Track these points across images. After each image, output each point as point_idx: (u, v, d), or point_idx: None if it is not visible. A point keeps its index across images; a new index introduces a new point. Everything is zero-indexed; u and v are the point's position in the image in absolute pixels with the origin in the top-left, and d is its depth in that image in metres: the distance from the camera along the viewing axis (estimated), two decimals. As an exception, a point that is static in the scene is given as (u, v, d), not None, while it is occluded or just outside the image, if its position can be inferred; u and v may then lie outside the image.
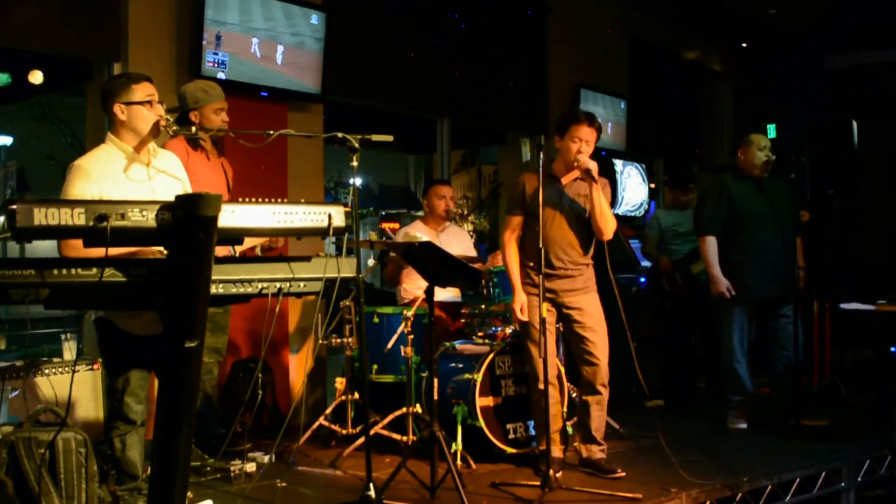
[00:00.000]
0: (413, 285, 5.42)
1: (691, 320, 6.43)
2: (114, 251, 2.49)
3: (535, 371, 4.24)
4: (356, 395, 4.88)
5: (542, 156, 4.22)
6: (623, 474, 4.25)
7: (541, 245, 4.05)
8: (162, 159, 3.50)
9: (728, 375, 5.38)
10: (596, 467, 4.32)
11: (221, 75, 5.12)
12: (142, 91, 3.33)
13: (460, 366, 4.68)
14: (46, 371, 4.34)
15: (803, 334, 5.48)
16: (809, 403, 5.74)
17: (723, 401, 5.47)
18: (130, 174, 3.34)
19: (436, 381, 4.10)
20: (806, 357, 6.13)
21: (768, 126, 7.22)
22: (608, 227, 4.29)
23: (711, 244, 5.31)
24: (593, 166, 4.21)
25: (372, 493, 3.56)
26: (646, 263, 7.00)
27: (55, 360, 4.51)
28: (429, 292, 4.04)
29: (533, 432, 4.63)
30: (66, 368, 4.38)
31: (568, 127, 4.29)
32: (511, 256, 4.40)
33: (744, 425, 5.35)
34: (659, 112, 9.20)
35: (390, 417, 4.71)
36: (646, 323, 6.42)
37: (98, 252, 2.48)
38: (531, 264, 4.29)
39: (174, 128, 3.40)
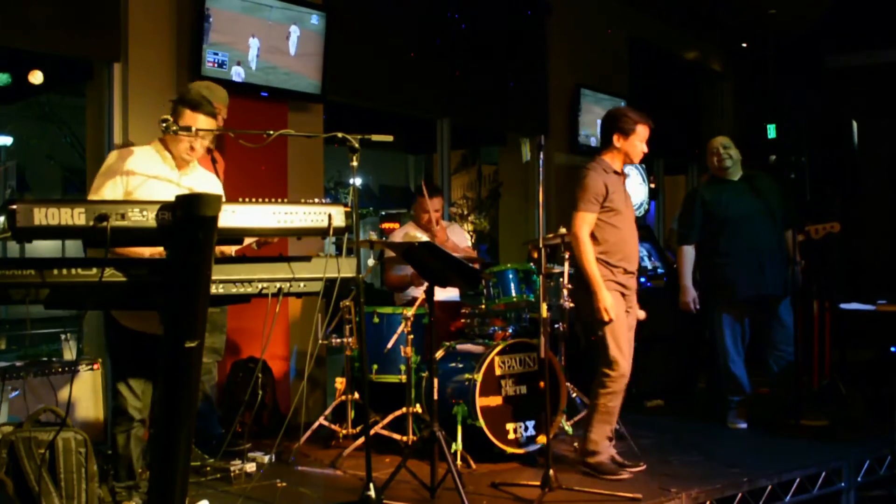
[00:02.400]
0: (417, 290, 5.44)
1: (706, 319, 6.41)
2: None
3: (619, 370, 4.20)
4: (356, 395, 4.88)
5: (542, 156, 4.22)
6: (644, 466, 4.34)
7: (541, 245, 4.05)
8: (198, 177, 3.63)
9: (725, 376, 5.38)
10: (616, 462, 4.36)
11: (222, 75, 5.12)
12: (190, 118, 3.52)
13: (460, 366, 4.68)
14: (46, 371, 4.34)
15: (801, 334, 5.48)
16: (809, 403, 5.74)
17: (723, 401, 5.47)
18: (159, 181, 3.46)
19: (436, 381, 4.10)
20: (806, 357, 6.13)
21: (768, 126, 7.20)
22: None
23: (686, 254, 5.36)
24: None
25: (372, 493, 3.55)
26: (646, 264, 6.99)
27: (55, 360, 4.51)
28: (429, 292, 4.04)
29: (533, 432, 4.62)
30: (66, 368, 4.39)
31: (636, 127, 4.31)
32: (593, 255, 4.21)
33: (744, 425, 5.36)
34: (659, 112, 9.17)
35: (390, 417, 4.71)
36: (647, 322, 6.41)
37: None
38: (614, 262, 4.22)
39: (174, 128, 3.43)
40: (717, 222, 5.30)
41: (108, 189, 3.36)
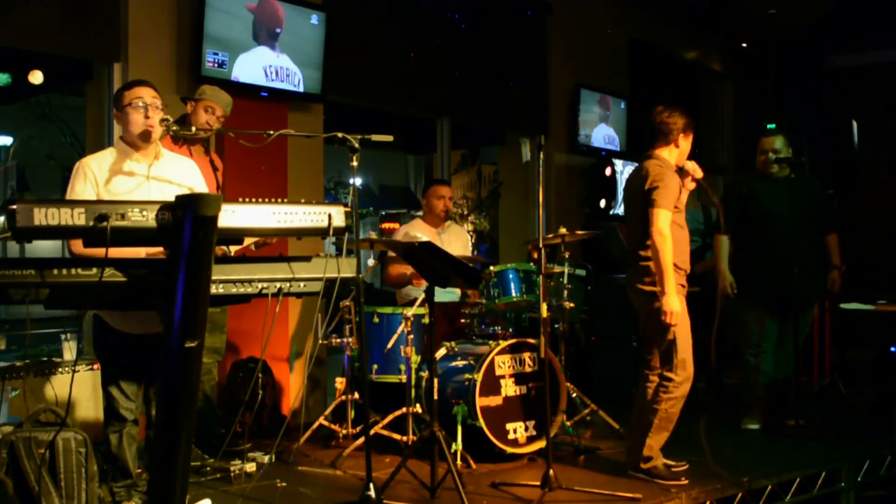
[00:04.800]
0: (416, 291, 5.44)
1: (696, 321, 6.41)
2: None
3: (683, 375, 4.13)
4: (356, 395, 4.88)
5: (542, 156, 4.22)
6: (686, 465, 4.28)
7: (540, 245, 4.06)
8: (169, 165, 3.53)
9: (743, 372, 5.40)
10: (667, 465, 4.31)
11: (222, 75, 5.12)
12: (130, 95, 3.40)
13: (460, 366, 4.68)
14: (46, 371, 4.34)
15: (805, 334, 5.49)
16: (809, 403, 5.75)
17: (740, 400, 5.47)
18: (127, 177, 3.39)
19: (436, 381, 4.10)
20: (806, 357, 6.12)
21: (768, 126, 7.22)
22: None
23: (723, 242, 5.35)
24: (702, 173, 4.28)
25: (372, 493, 3.56)
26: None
27: (55, 360, 4.51)
28: (429, 292, 4.04)
29: (533, 432, 4.62)
30: (66, 368, 4.39)
31: (690, 132, 4.33)
32: (672, 256, 4.05)
33: (756, 426, 5.33)
34: (659, 112, 9.19)
35: (390, 417, 4.70)
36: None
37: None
38: (679, 263, 4.11)
39: (174, 127, 3.43)
40: (752, 218, 5.29)
41: (80, 194, 3.28)
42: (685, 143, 4.29)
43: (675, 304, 3.99)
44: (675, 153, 4.28)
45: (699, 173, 4.24)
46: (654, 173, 4.15)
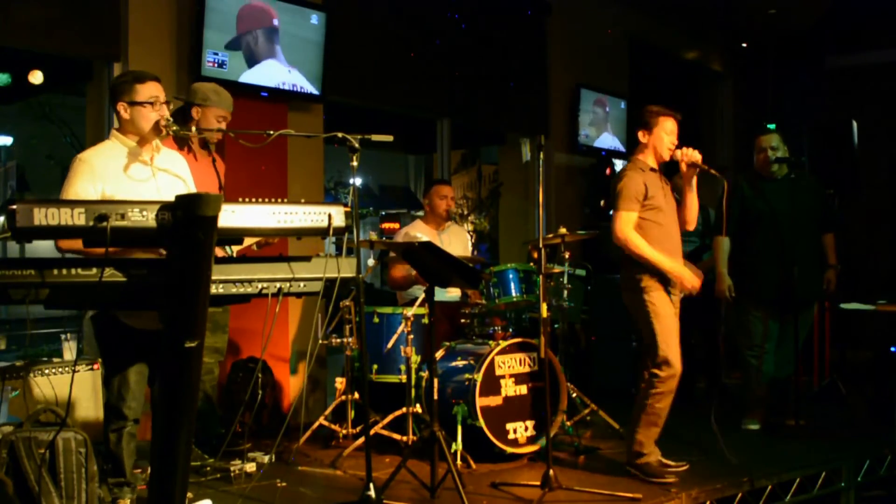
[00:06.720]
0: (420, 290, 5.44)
1: (693, 321, 6.42)
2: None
3: (669, 371, 4.15)
4: (356, 395, 4.89)
5: (542, 156, 4.21)
6: (687, 465, 4.30)
7: (540, 245, 4.06)
8: (166, 158, 3.54)
9: (743, 373, 5.40)
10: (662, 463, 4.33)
11: (222, 75, 5.12)
12: (146, 91, 3.38)
13: (460, 366, 4.68)
14: (46, 371, 4.34)
15: (805, 334, 5.48)
16: (809, 403, 5.74)
17: (742, 400, 5.47)
18: (134, 171, 3.39)
19: (436, 381, 4.10)
20: (806, 357, 6.11)
21: (768, 126, 7.21)
22: (695, 218, 4.40)
23: (721, 244, 5.33)
24: (699, 157, 4.20)
25: (372, 493, 3.56)
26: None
27: (55, 360, 4.51)
28: (429, 292, 4.04)
29: (533, 432, 4.62)
30: (66, 368, 4.39)
31: (658, 119, 4.25)
32: (646, 244, 4.12)
33: (756, 426, 5.32)
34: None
35: (390, 417, 4.71)
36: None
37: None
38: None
39: (174, 128, 3.42)
40: (752, 219, 5.27)
41: (81, 190, 3.23)
42: (650, 137, 4.27)
43: (680, 271, 4.14)
44: (646, 152, 4.30)
45: (690, 156, 4.18)
46: (617, 178, 4.29)
